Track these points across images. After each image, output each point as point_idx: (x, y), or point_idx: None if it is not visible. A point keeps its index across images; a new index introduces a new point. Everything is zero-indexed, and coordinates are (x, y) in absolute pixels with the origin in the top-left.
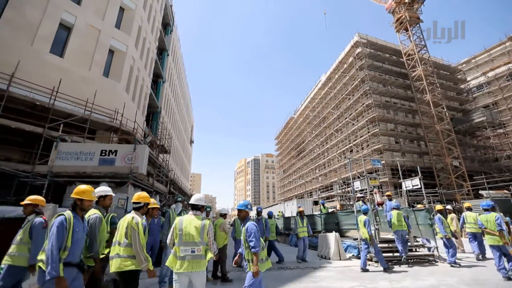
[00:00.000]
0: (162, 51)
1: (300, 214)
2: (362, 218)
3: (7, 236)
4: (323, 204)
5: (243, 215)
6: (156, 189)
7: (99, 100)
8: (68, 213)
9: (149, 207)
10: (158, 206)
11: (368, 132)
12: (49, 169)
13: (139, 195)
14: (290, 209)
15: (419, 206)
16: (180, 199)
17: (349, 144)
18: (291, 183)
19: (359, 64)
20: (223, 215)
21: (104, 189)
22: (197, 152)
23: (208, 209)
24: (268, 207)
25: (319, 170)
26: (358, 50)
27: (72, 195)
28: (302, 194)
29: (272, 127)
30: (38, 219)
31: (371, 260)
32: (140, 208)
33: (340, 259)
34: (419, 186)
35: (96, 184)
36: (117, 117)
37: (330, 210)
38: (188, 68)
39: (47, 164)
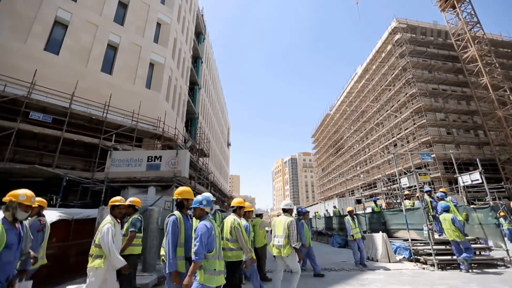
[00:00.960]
0: (196, 59)
1: (350, 214)
2: (447, 216)
3: (77, 233)
4: (375, 202)
5: (197, 213)
6: (198, 191)
7: (143, 110)
8: (177, 213)
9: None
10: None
11: (414, 124)
12: (105, 176)
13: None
14: (332, 208)
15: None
16: (213, 199)
17: (392, 138)
18: (330, 182)
19: (399, 51)
20: (259, 215)
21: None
22: (234, 154)
23: None
24: (307, 206)
25: (360, 167)
26: (397, 36)
27: (177, 196)
28: (343, 193)
29: (308, 125)
30: (37, 222)
31: (422, 262)
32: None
33: (390, 261)
34: (480, 181)
35: (144, 188)
36: (159, 125)
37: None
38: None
39: (104, 171)
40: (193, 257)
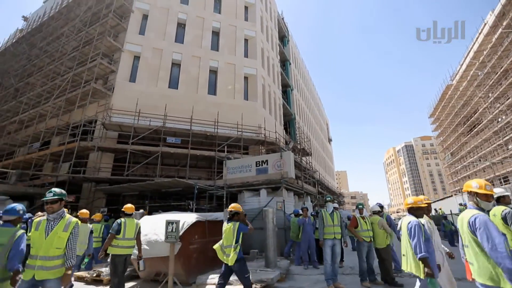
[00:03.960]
0: (284, 62)
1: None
2: None
3: (211, 231)
4: None
5: None
6: (306, 190)
7: (245, 120)
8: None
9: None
10: (307, 208)
11: None
12: (224, 182)
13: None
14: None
15: None
16: (329, 198)
17: None
18: (466, 168)
19: None
20: (376, 212)
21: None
22: (337, 149)
23: (360, 206)
24: (436, 201)
25: None
26: None
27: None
28: (490, 180)
29: (418, 107)
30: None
31: None
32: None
33: None
34: None
35: (256, 191)
36: (261, 131)
37: None
38: (310, 66)
39: (222, 178)
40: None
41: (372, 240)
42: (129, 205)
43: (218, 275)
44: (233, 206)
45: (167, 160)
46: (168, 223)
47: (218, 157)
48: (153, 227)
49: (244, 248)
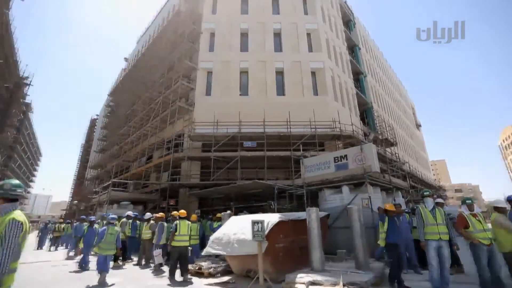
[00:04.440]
0: (352, 47)
1: None
2: None
3: (295, 230)
4: None
5: None
6: (395, 185)
7: (317, 116)
8: None
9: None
10: (400, 204)
11: None
12: (303, 181)
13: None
14: None
15: None
16: (428, 192)
17: None
18: None
19: None
20: (498, 208)
21: None
22: (430, 136)
23: (468, 201)
24: None
25: None
26: None
27: None
28: None
29: None
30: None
31: None
32: None
33: None
34: None
35: (337, 188)
36: (335, 126)
37: None
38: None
39: (300, 177)
40: None
41: (494, 242)
42: (182, 211)
43: (306, 274)
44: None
45: (246, 163)
46: (254, 223)
47: (294, 156)
48: (240, 227)
49: (330, 248)
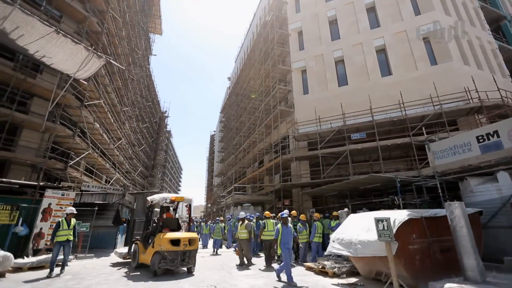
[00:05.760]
0: None
1: None
2: None
3: (432, 230)
4: None
5: None
6: None
7: (441, 90)
8: None
9: None
10: None
11: None
12: (433, 170)
13: None
14: None
15: None
16: None
17: None
18: None
19: None
20: None
21: None
22: None
23: None
24: None
25: None
26: None
27: None
28: None
29: None
30: None
31: None
32: None
33: None
34: None
35: (489, 175)
36: (470, 96)
37: None
38: None
39: (429, 166)
40: None
41: None
42: (267, 212)
43: (459, 285)
44: None
45: (357, 157)
46: (378, 221)
47: (415, 142)
48: (362, 226)
49: (490, 254)
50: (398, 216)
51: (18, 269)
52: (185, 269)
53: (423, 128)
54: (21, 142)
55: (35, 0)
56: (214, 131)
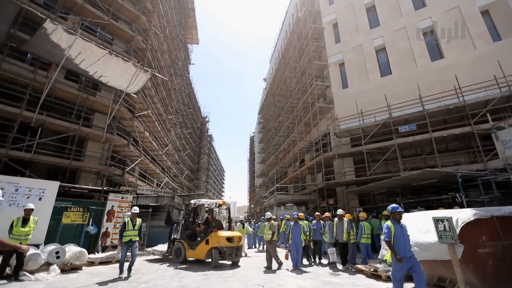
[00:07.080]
0: None
1: None
2: None
3: (506, 231)
4: None
5: None
6: None
7: (507, 69)
8: None
9: None
10: None
11: None
12: (504, 162)
13: None
14: None
15: None
16: None
17: None
18: None
19: None
20: None
21: None
22: None
23: None
24: None
25: None
26: None
27: None
28: None
29: None
30: None
31: None
32: None
33: None
34: None
35: None
36: None
37: None
38: None
39: (498, 158)
40: None
41: None
42: (301, 213)
43: None
44: None
45: (406, 151)
46: (437, 221)
47: (478, 131)
48: (418, 227)
49: None
50: (461, 216)
51: (91, 263)
52: (229, 263)
53: (488, 114)
54: (87, 153)
55: (91, 27)
56: (253, 133)
